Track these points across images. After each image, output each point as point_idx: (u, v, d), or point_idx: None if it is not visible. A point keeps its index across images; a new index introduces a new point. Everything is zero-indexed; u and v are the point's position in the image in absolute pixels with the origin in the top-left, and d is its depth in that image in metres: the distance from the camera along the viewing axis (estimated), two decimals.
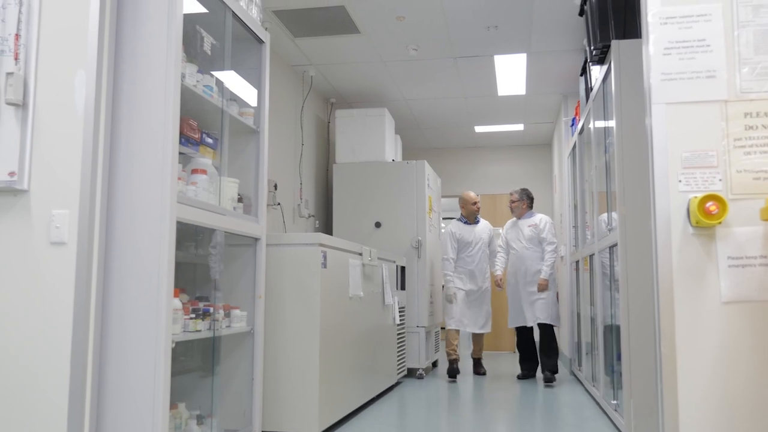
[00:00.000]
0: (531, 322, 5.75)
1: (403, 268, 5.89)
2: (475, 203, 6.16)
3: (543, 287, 5.62)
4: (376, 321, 4.75)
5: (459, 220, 6.20)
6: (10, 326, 2.28)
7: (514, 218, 6.05)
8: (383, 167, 6.33)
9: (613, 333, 3.92)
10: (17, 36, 2.36)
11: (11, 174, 2.30)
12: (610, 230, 3.86)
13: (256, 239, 3.23)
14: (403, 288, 5.85)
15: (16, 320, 2.28)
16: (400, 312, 5.50)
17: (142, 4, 2.48)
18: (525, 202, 5.96)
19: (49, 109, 2.34)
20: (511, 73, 6.11)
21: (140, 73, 2.46)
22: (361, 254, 4.40)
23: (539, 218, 5.89)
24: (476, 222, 6.18)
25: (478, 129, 8.15)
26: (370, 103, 6.91)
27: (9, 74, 2.32)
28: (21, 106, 2.33)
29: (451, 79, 6.27)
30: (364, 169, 6.34)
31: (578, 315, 5.72)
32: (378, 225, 6.20)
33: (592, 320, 4.79)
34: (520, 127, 8.08)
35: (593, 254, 4.53)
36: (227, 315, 3.03)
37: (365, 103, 6.93)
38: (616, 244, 3.56)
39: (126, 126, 2.44)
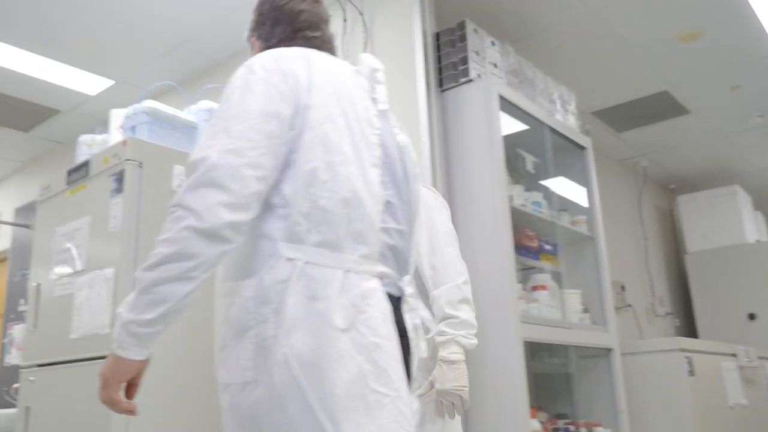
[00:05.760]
0: None
1: None
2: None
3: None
4: None
5: None
6: None
7: None
8: (746, 250, 5.58)
9: None
10: None
11: None
12: None
13: (609, 349, 3.06)
14: None
15: None
16: None
17: (464, 137, 2.68)
18: None
19: None
20: None
21: (469, 200, 2.61)
22: (735, 355, 3.85)
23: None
24: None
25: None
26: (717, 182, 6.27)
27: None
28: None
29: None
30: (723, 255, 5.66)
31: None
32: (752, 317, 5.40)
33: None
34: None
35: None
36: None
37: (710, 183, 6.32)
38: None
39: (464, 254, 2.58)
